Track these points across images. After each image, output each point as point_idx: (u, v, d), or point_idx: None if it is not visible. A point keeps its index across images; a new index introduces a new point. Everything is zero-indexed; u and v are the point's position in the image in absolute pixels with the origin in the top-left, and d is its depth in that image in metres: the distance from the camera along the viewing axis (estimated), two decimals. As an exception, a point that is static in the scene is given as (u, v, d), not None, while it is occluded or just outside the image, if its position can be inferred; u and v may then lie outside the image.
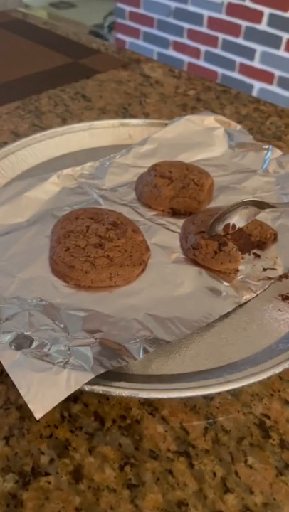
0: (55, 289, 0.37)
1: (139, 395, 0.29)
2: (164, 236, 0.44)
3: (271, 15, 1.58)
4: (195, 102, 0.69)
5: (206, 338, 0.35)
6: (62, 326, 0.33)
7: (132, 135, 0.58)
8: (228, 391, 0.31)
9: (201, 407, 0.31)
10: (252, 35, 1.66)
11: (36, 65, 0.75)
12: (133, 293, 0.37)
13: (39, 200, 0.47)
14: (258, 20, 1.63)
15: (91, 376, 0.29)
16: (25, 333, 0.32)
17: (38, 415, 0.27)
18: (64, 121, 0.62)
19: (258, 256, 0.42)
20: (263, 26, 1.62)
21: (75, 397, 0.31)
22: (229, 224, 0.41)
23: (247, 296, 0.38)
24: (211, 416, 0.31)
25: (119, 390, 0.29)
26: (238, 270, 0.39)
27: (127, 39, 2.09)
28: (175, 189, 0.47)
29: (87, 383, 0.29)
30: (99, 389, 0.29)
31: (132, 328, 0.34)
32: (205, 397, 0.32)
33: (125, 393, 0.29)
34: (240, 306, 0.38)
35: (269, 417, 0.31)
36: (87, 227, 0.41)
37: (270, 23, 1.60)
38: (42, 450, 0.29)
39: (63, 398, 0.27)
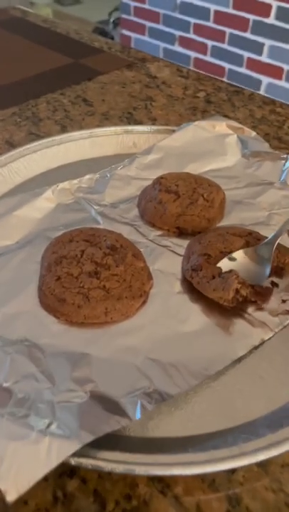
0: (43, 326, 0.33)
1: (136, 472, 0.24)
2: (168, 260, 0.39)
3: (279, 8, 1.54)
4: (205, 105, 0.63)
5: (217, 389, 0.30)
6: (47, 374, 0.29)
7: (136, 143, 0.53)
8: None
9: (221, 483, 0.26)
10: (260, 29, 1.62)
11: (35, 67, 0.70)
12: (132, 331, 0.32)
13: (31, 219, 0.42)
14: (266, 14, 1.59)
15: (76, 447, 0.24)
16: (4, 385, 0.28)
17: (10, 497, 0.22)
18: (63, 129, 0.57)
19: (276, 285, 0.37)
20: (271, 20, 1.58)
21: (72, 471, 0.26)
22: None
23: (263, 336, 0.33)
24: (233, 495, 0.26)
25: (112, 465, 0.24)
26: (232, 302, 0.34)
27: (133, 35, 2.04)
28: (182, 206, 0.43)
29: (73, 455, 0.24)
30: (87, 463, 0.24)
31: (130, 377, 0.29)
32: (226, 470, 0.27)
33: (119, 469, 0.24)
34: (261, 344, 0.33)
35: (302, 495, 0.26)
36: (82, 251, 0.36)
37: (278, 17, 1.56)
38: None
39: (42, 476, 0.23)
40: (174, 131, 0.53)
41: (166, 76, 0.70)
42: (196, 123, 0.53)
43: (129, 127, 0.53)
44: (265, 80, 1.69)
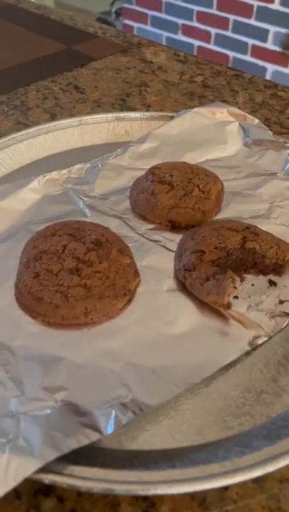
0: (17, 327, 0.30)
1: (116, 491, 0.22)
2: (158, 256, 0.36)
3: None
4: (203, 90, 0.60)
5: (209, 395, 0.28)
6: (16, 381, 0.26)
7: (128, 131, 0.50)
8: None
9: (212, 501, 0.24)
10: (264, 15, 1.59)
11: (26, 54, 0.67)
12: (114, 333, 0.30)
13: (14, 211, 0.40)
14: (271, 0, 1.54)
15: (38, 465, 0.22)
16: None
17: None
18: (53, 117, 0.54)
19: (273, 284, 0.34)
20: (275, 5, 1.56)
21: (48, 488, 0.24)
22: None
23: (257, 341, 0.30)
24: (225, 515, 0.24)
25: (90, 484, 0.22)
26: (228, 308, 0.31)
27: (135, 24, 2.01)
28: (175, 197, 0.40)
29: (44, 472, 0.22)
30: (62, 481, 0.22)
31: (106, 385, 0.26)
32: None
33: (97, 488, 0.22)
34: (254, 348, 0.30)
35: (302, 514, 0.24)
36: (64, 246, 0.34)
37: (283, 2, 1.54)
38: None
39: None
40: (168, 117, 0.50)
41: (162, 61, 0.67)
42: (195, 109, 0.50)
43: (121, 114, 0.50)
44: (271, 67, 1.66)
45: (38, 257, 0.33)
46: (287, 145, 0.46)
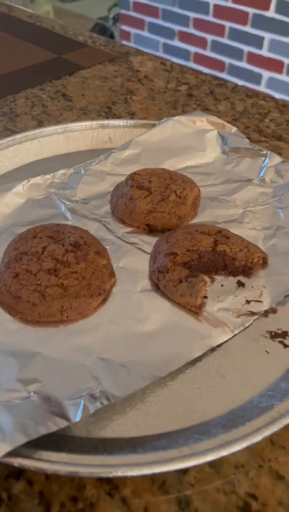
0: None
1: (80, 474, 0.24)
2: (134, 258, 0.38)
3: (279, 1, 1.54)
4: (186, 99, 0.62)
5: (175, 388, 0.29)
6: None
7: (112, 138, 0.52)
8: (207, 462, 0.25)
9: (171, 484, 0.26)
10: (260, 22, 1.62)
11: (16, 62, 0.69)
12: (88, 330, 0.32)
13: None
14: (266, 7, 1.58)
15: (7, 448, 0.23)
16: None
17: None
18: (40, 124, 0.56)
19: (242, 285, 0.36)
20: (271, 13, 1.58)
21: (18, 472, 0.26)
22: None
23: (222, 338, 0.32)
24: (183, 496, 0.25)
25: (56, 467, 0.24)
26: (200, 308, 0.33)
27: (132, 30, 2.04)
28: (153, 202, 0.42)
29: (14, 456, 0.24)
30: (30, 465, 0.24)
31: (78, 378, 0.28)
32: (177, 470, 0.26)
33: (63, 471, 0.24)
34: (220, 345, 0.32)
35: (256, 498, 0.25)
36: (44, 248, 0.36)
37: (278, 10, 1.55)
38: None
39: None
40: (150, 125, 0.52)
41: (149, 70, 0.69)
42: (176, 118, 0.52)
43: (105, 121, 0.52)
44: (266, 74, 1.68)
45: (18, 258, 0.35)
46: (262, 153, 0.48)
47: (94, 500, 0.25)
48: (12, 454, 0.24)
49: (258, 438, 0.25)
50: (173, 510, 0.25)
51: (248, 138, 0.51)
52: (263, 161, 0.48)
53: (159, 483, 0.26)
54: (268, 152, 0.48)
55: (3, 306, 0.33)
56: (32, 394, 0.27)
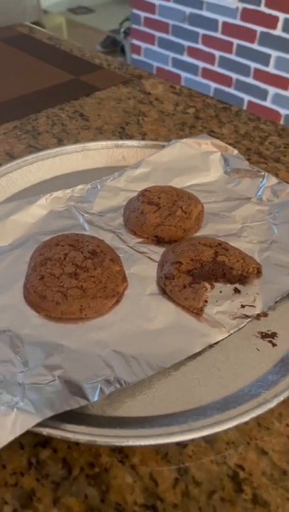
0: (25, 319, 0.37)
1: (98, 442, 0.29)
2: (144, 265, 0.43)
3: (287, 20, 1.59)
4: (194, 121, 0.68)
5: (178, 378, 0.35)
6: (23, 360, 0.33)
7: (125, 157, 0.58)
8: (203, 437, 0.30)
9: (173, 455, 0.31)
10: (267, 40, 1.67)
11: (38, 83, 0.75)
12: (103, 327, 0.37)
13: (25, 223, 0.47)
14: (273, 26, 1.63)
15: (38, 420, 0.28)
16: None
17: None
18: (60, 142, 0.62)
19: (238, 291, 0.41)
20: (278, 32, 1.63)
21: (45, 442, 0.31)
22: None
23: (219, 336, 0.37)
24: (182, 465, 0.30)
25: (78, 436, 0.29)
26: (201, 310, 0.38)
27: (142, 45, 2.10)
28: (161, 216, 0.47)
29: (43, 427, 0.29)
30: (57, 434, 0.29)
31: (95, 366, 0.33)
32: (178, 443, 0.31)
33: (84, 439, 0.29)
34: (217, 343, 0.37)
35: (243, 469, 0.30)
36: (65, 254, 0.41)
37: (285, 29, 1.60)
38: (6, 500, 0.28)
39: (6, 443, 0.27)
40: (160, 146, 0.58)
41: (159, 92, 0.75)
42: (184, 140, 0.58)
43: (120, 142, 0.58)
44: (272, 90, 1.73)
45: (43, 262, 0.40)
46: (260, 174, 0.53)
47: (108, 466, 0.30)
48: (41, 425, 0.29)
49: (246, 418, 0.30)
50: (173, 476, 0.30)
51: (249, 159, 0.56)
52: (261, 182, 0.53)
53: (162, 454, 0.31)
54: (266, 174, 0.53)
55: (31, 304, 0.38)
56: (56, 378, 0.32)
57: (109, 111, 0.69)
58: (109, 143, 0.58)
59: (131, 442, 0.29)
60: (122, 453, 0.31)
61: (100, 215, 0.49)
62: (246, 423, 0.31)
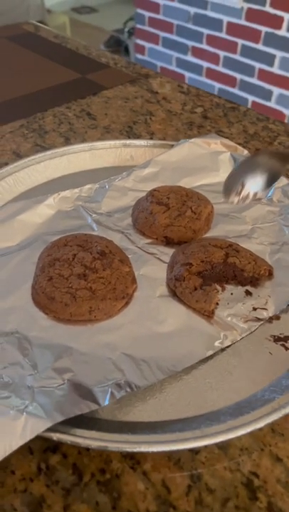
0: (33, 320, 0.37)
1: (109, 448, 0.28)
2: (153, 267, 0.42)
3: None
4: (202, 120, 0.67)
5: (189, 382, 0.34)
6: (32, 363, 0.33)
7: (133, 156, 0.57)
8: (216, 444, 0.30)
9: (185, 462, 0.30)
10: (272, 41, 1.66)
11: (44, 81, 0.75)
12: (112, 329, 0.36)
13: (32, 223, 0.46)
14: (278, 26, 1.63)
15: (48, 424, 0.28)
16: None
17: None
18: (67, 141, 0.61)
19: (249, 293, 0.40)
20: (283, 32, 1.63)
21: (55, 447, 0.30)
22: (242, 187, 0.36)
23: (231, 340, 0.36)
24: (195, 472, 0.29)
25: (88, 442, 0.28)
26: (213, 313, 0.38)
27: (146, 44, 2.10)
28: (170, 217, 0.46)
29: (53, 431, 0.28)
30: (67, 439, 0.28)
31: (105, 369, 0.33)
32: (191, 449, 0.30)
33: (94, 445, 0.28)
34: (228, 346, 0.36)
35: (258, 476, 0.29)
36: (74, 255, 0.40)
37: None
38: (15, 506, 0.28)
39: (16, 448, 0.27)
40: (168, 145, 0.57)
41: (166, 92, 0.74)
42: (192, 140, 0.57)
43: (128, 141, 0.57)
44: (276, 90, 1.73)
45: (51, 263, 0.40)
46: (271, 174, 0.52)
47: (119, 472, 0.29)
48: (51, 429, 0.28)
49: (260, 424, 0.30)
50: (186, 483, 0.29)
51: (258, 160, 0.55)
52: (271, 182, 0.52)
53: (174, 460, 0.30)
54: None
55: (39, 305, 0.38)
56: (66, 381, 0.32)
57: (116, 110, 0.68)
58: (117, 142, 0.57)
59: (143, 448, 0.28)
60: (133, 459, 0.30)
61: (109, 215, 0.48)
62: (260, 429, 0.30)
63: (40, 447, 0.30)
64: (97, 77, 0.76)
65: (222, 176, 0.54)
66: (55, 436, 0.28)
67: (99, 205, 0.49)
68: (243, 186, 0.36)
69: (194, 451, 0.30)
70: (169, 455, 0.30)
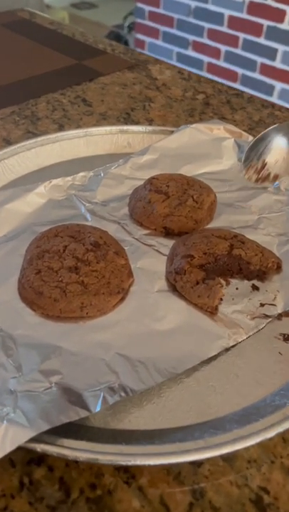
0: (19, 317, 0.33)
1: (99, 461, 0.25)
2: (152, 259, 0.39)
3: None
4: (203, 107, 0.64)
5: (191, 385, 0.30)
6: (16, 364, 0.29)
7: (131, 143, 0.54)
8: (220, 455, 0.26)
9: (186, 476, 0.26)
10: (274, 34, 1.64)
11: (38, 67, 0.71)
12: (106, 326, 0.33)
13: (21, 213, 0.43)
14: (281, 20, 1.60)
15: (31, 434, 0.24)
16: None
17: None
18: (60, 128, 0.58)
19: (256, 288, 0.37)
20: (285, 25, 1.60)
21: (39, 459, 0.27)
22: (262, 166, 0.34)
23: (236, 339, 0.33)
24: (198, 488, 0.26)
25: (77, 453, 0.25)
26: (216, 309, 0.34)
27: (147, 39, 2.07)
28: (170, 206, 0.43)
29: (37, 442, 0.25)
30: (53, 450, 0.25)
31: (97, 372, 0.29)
32: (192, 462, 0.27)
33: (83, 457, 0.25)
34: (234, 346, 0.33)
35: (268, 492, 0.26)
36: (65, 246, 0.37)
37: None
38: (-9, 524, 0.25)
39: None
40: (168, 131, 0.54)
41: (166, 78, 0.71)
42: (194, 125, 0.54)
43: (124, 127, 0.54)
44: (279, 85, 1.70)
45: (40, 255, 0.36)
46: (277, 162, 0.49)
47: (112, 488, 0.26)
48: (35, 440, 0.25)
49: (271, 434, 0.26)
50: (188, 500, 0.26)
51: (264, 147, 0.52)
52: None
53: (174, 474, 0.27)
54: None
55: (26, 301, 0.34)
56: (53, 385, 0.28)
57: (113, 96, 0.65)
58: (114, 128, 0.54)
59: (139, 461, 0.25)
60: (128, 472, 0.26)
61: (104, 205, 0.45)
62: (270, 438, 0.27)
63: (23, 459, 0.27)
64: (93, 64, 0.73)
65: (225, 163, 0.51)
66: (40, 447, 0.25)
67: (93, 193, 0.46)
68: (264, 165, 0.34)
69: (196, 464, 0.27)
70: (168, 468, 0.27)
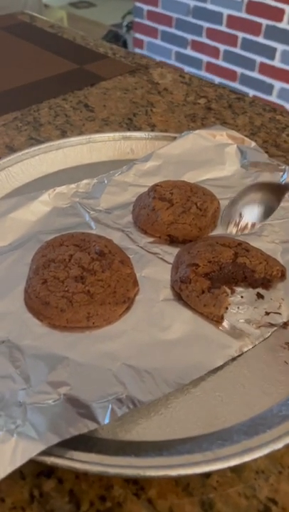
0: (26, 328, 0.33)
1: (110, 473, 0.25)
2: (156, 268, 0.39)
3: None
4: (205, 112, 0.64)
5: (198, 395, 0.31)
6: (24, 376, 0.30)
7: (134, 150, 0.54)
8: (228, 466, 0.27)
9: (195, 487, 0.27)
10: (273, 33, 1.64)
11: (39, 72, 0.71)
12: (113, 336, 0.33)
13: (25, 221, 0.43)
14: (279, 19, 1.60)
15: (41, 447, 0.25)
16: None
17: None
18: (63, 134, 0.58)
19: (261, 296, 0.37)
20: (284, 24, 1.60)
21: (49, 471, 0.27)
22: (240, 218, 0.37)
23: (242, 348, 0.33)
24: (206, 499, 0.26)
25: (87, 466, 0.25)
26: (222, 318, 0.35)
27: (145, 38, 2.06)
28: (174, 214, 0.43)
29: (47, 455, 0.25)
30: (63, 463, 0.25)
31: (105, 382, 0.29)
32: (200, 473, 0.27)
33: (93, 470, 0.25)
34: (240, 355, 0.33)
35: (276, 503, 0.26)
36: (71, 256, 0.37)
37: None
38: (2, 536, 0.25)
39: (5, 475, 0.24)
40: (171, 138, 0.54)
41: (168, 82, 0.71)
42: (197, 132, 0.54)
43: (128, 133, 0.54)
44: (278, 84, 1.70)
45: (46, 264, 0.37)
46: (281, 168, 0.49)
47: (121, 500, 0.26)
48: (45, 453, 0.25)
49: (279, 445, 0.26)
50: (196, 511, 0.26)
51: (266, 152, 0.52)
52: (282, 176, 0.49)
53: (183, 485, 0.27)
54: (287, 167, 0.49)
55: (32, 311, 0.34)
56: (62, 396, 0.29)
57: (115, 101, 0.65)
58: (117, 134, 0.54)
59: (148, 473, 0.25)
60: (137, 484, 0.27)
61: (108, 212, 0.45)
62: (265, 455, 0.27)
63: (33, 471, 0.27)
64: (95, 68, 0.73)
65: (228, 169, 0.51)
66: (50, 460, 0.25)
67: (97, 201, 0.46)
68: (241, 217, 0.40)
69: (205, 475, 0.27)
70: (177, 479, 0.27)
